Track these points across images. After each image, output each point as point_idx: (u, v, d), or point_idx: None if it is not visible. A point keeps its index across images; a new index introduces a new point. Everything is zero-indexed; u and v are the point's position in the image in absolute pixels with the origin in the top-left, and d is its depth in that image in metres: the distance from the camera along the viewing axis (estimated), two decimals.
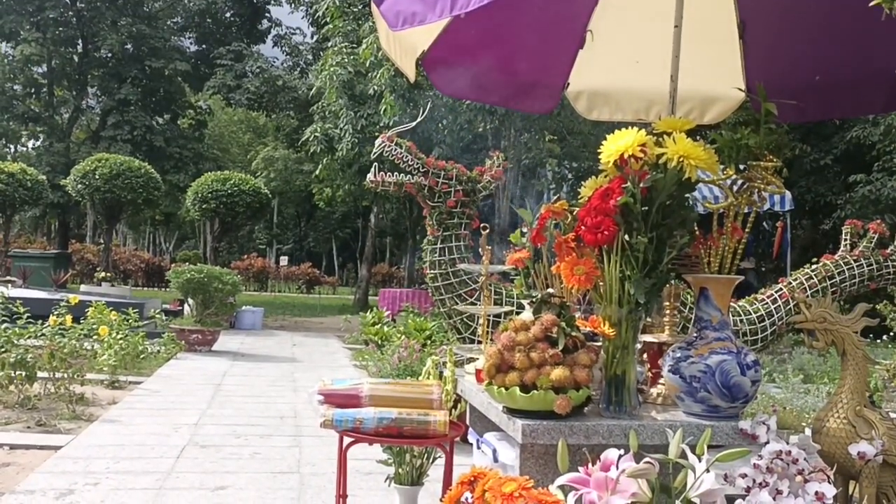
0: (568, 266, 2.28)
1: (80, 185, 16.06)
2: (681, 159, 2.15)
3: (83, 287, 15.11)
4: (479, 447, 2.70)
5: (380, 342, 9.97)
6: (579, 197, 2.46)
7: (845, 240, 5.34)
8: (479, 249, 3.18)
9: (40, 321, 7.06)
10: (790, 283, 5.30)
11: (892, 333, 7.60)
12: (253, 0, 31.52)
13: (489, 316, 3.04)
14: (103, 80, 27.84)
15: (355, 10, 16.16)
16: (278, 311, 20.54)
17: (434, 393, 2.80)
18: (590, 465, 1.79)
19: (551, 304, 2.33)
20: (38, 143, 29.92)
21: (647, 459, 1.78)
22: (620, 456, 1.79)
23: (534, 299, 2.37)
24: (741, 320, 5.15)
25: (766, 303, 5.24)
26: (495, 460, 2.44)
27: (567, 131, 15.03)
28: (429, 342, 8.47)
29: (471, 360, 3.19)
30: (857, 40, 3.13)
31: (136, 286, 25.94)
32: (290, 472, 4.62)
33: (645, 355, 2.68)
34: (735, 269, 2.45)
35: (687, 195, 2.26)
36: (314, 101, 17.77)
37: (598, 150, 2.29)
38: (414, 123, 5.50)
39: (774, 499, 1.82)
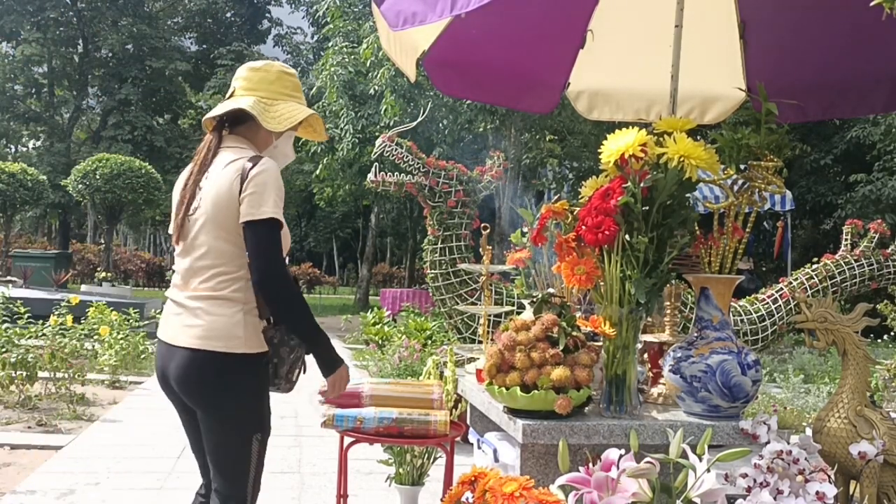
0: (568, 266, 2.28)
1: (80, 186, 16.05)
2: (681, 159, 2.15)
3: (84, 287, 15.10)
4: (479, 447, 2.70)
5: (380, 342, 9.97)
6: (580, 197, 2.46)
7: (846, 239, 5.34)
8: (480, 249, 3.18)
9: (41, 321, 7.06)
10: (791, 282, 5.30)
11: (892, 333, 7.59)
12: (253, 0, 31.52)
13: (490, 316, 3.05)
14: (104, 80, 27.85)
15: (356, 9, 16.17)
16: None
17: (435, 393, 2.80)
18: (590, 464, 1.79)
19: (552, 304, 2.33)
20: (39, 143, 29.93)
21: (647, 459, 1.78)
22: (621, 456, 1.79)
23: (534, 299, 2.37)
24: (742, 320, 5.15)
25: (767, 302, 5.24)
26: (496, 460, 2.44)
27: (567, 131, 15.03)
28: (429, 342, 8.47)
29: (471, 359, 3.19)
30: (858, 40, 3.13)
31: (137, 286, 25.94)
32: (291, 472, 4.62)
33: (646, 355, 2.68)
34: (735, 269, 2.45)
35: (687, 195, 2.26)
36: (315, 101, 17.76)
37: (599, 150, 2.30)
38: (414, 123, 5.51)
39: (775, 499, 1.82)
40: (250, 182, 1.97)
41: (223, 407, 2.06)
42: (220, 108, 2.14)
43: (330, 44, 16.27)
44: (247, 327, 2.03)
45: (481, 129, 13.96)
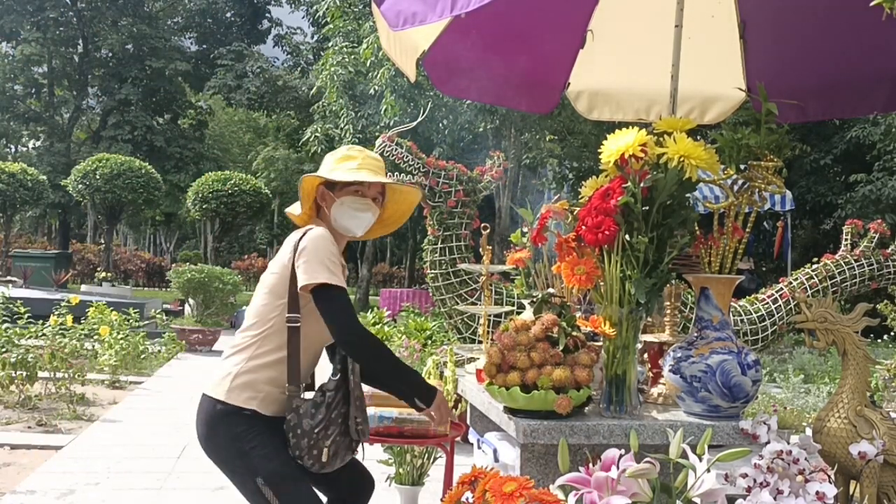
0: (569, 266, 2.28)
1: (80, 185, 16.05)
2: (681, 159, 2.15)
3: (84, 287, 15.11)
4: (479, 447, 2.70)
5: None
6: (580, 197, 2.46)
7: (846, 239, 5.34)
8: (480, 249, 3.18)
9: (41, 321, 7.06)
10: (791, 282, 5.29)
11: (892, 333, 7.59)
12: (253, 0, 31.50)
13: (490, 316, 3.05)
14: (104, 80, 27.85)
15: (356, 9, 16.15)
16: None
17: None
18: (590, 464, 1.79)
19: (552, 304, 2.33)
20: (39, 143, 29.92)
21: (647, 459, 1.78)
22: (621, 456, 1.78)
23: (534, 299, 2.37)
24: (742, 320, 5.15)
25: (767, 302, 5.24)
26: (496, 460, 2.44)
27: (567, 131, 15.02)
28: (429, 342, 8.46)
29: (471, 359, 3.19)
30: (858, 40, 3.12)
31: (137, 286, 25.93)
32: None
33: (646, 355, 2.68)
34: (735, 269, 2.45)
35: (687, 195, 2.26)
36: (314, 101, 17.77)
37: (599, 150, 2.30)
38: (414, 123, 5.49)
39: (775, 499, 1.82)
40: (300, 252, 2.09)
41: (212, 452, 2.13)
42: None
43: (330, 44, 16.25)
44: (235, 378, 2.09)
45: (481, 129, 13.95)
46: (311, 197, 2.27)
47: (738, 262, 2.44)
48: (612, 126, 2.62)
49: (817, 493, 1.81)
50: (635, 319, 2.24)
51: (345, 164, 2.27)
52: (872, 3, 1.96)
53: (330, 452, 2.08)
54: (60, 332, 6.93)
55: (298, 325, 2.09)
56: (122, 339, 8.11)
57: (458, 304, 4.97)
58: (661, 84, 3.22)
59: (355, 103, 14.92)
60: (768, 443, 1.94)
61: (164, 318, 10.80)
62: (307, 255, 2.07)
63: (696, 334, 2.35)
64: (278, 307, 2.11)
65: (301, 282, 2.06)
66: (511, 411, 2.21)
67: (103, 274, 15.73)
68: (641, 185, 2.14)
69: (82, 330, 7.52)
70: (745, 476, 1.88)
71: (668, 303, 2.65)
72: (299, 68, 28.12)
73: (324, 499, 2.19)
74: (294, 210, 2.29)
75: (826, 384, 7.47)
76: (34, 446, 5.01)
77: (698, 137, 2.25)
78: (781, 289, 5.28)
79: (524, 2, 3.31)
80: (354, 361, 2.14)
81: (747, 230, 2.45)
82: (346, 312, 2.06)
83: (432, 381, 2.92)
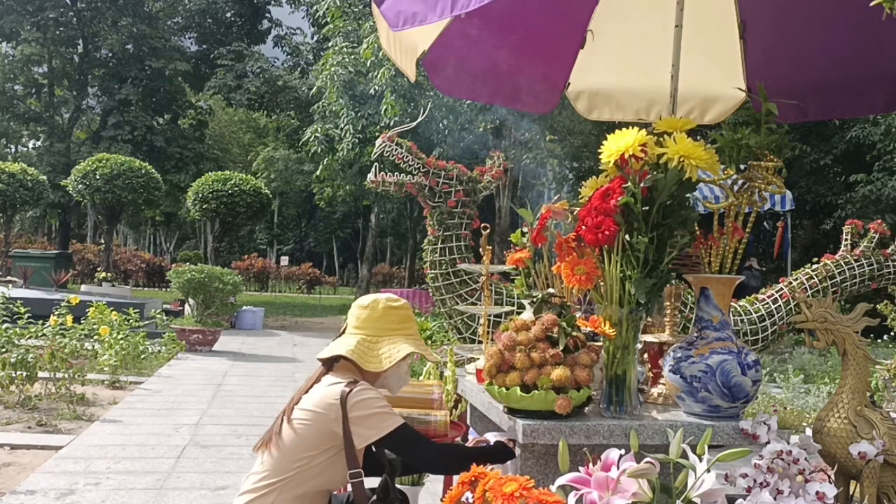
0: (569, 266, 2.28)
1: (80, 186, 16.05)
2: (681, 159, 2.15)
3: (84, 287, 15.10)
4: None
5: None
6: (580, 197, 2.46)
7: (846, 239, 5.33)
8: (480, 249, 3.18)
9: (41, 321, 7.07)
10: (791, 282, 5.29)
11: (892, 333, 7.59)
12: (253, 0, 31.50)
13: (490, 316, 3.04)
14: (104, 80, 27.85)
15: (356, 9, 16.16)
16: (279, 311, 20.54)
17: (435, 393, 2.80)
18: (590, 465, 1.79)
19: (552, 304, 2.33)
20: (39, 143, 29.92)
21: (647, 459, 1.78)
22: (621, 456, 1.78)
23: (534, 299, 2.37)
24: (742, 320, 5.15)
25: (767, 303, 5.24)
26: None
27: (567, 131, 15.02)
28: (429, 342, 8.47)
29: (471, 359, 3.19)
30: (858, 40, 3.13)
31: (137, 286, 25.92)
32: None
33: (646, 355, 2.68)
34: (736, 269, 2.45)
35: (687, 195, 2.26)
36: (315, 102, 17.77)
37: (599, 150, 2.30)
38: (414, 123, 5.51)
39: (775, 499, 1.82)
40: (354, 408, 2.07)
41: None
42: (327, 351, 2.25)
43: (330, 44, 16.26)
44: None
45: (481, 129, 13.97)
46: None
47: (749, 261, 2.43)
48: (612, 126, 2.62)
49: (817, 493, 1.81)
50: (635, 319, 2.24)
51: (407, 326, 2.26)
52: (872, 3, 1.96)
53: None
54: (60, 332, 6.94)
55: (362, 479, 2.10)
56: (121, 339, 8.11)
57: (458, 304, 4.97)
58: (661, 84, 3.22)
59: (355, 103, 14.93)
60: (768, 443, 1.94)
61: (164, 318, 10.79)
62: (368, 409, 2.08)
63: (696, 334, 2.35)
64: (305, 458, 2.09)
65: (370, 436, 2.07)
66: (511, 411, 2.21)
67: (103, 274, 15.73)
68: (641, 185, 2.14)
69: (82, 330, 7.52)
70: (745, 476, 1.88)
71: (668, 303, 2.65)
72: (299, 68, 28.09)
73: None
74: (369, 366, 2.19)
75: (826, 384, 7.47)
76: (34, 446, 5.01)
77: (698, 137, 2.25)
78: (781, 289, 5.28)
79: (524, 2, 3.31)
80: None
81: (747, 230, 2.45)
82: (424, 443, 2.16)
83: (432, 381, 2.92)
